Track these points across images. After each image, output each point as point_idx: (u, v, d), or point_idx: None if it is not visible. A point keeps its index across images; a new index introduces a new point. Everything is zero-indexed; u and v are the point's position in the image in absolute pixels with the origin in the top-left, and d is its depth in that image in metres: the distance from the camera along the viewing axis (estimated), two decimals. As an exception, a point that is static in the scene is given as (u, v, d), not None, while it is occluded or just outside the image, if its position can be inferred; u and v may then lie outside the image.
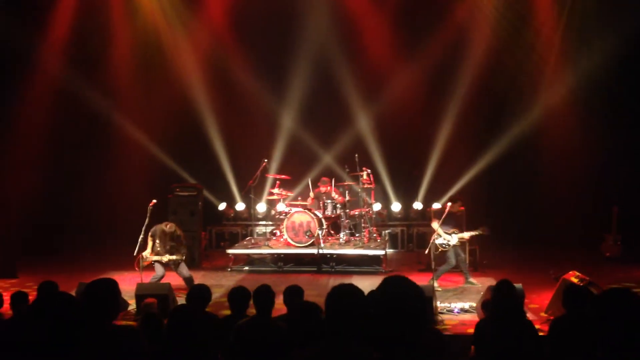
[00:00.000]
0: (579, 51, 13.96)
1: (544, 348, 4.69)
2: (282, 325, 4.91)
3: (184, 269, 9.81)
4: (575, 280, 7.90)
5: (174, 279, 9.68)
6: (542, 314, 8.34)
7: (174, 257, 9.68)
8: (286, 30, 15.03)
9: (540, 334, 5.30)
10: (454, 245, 10.43)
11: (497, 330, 4.24)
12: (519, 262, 12.47)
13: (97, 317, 3.55)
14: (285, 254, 12.23)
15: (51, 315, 2.69)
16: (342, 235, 12.52)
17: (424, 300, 2.75)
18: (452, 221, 10.49)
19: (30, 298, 6.32)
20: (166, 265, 9.77)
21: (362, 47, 15.10)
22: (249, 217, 14.23)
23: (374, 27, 14.94)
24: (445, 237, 10.35)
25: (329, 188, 12.93)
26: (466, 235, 10.56)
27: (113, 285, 3.76)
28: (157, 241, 9.74)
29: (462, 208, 10.99)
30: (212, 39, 15.07)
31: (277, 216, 12.97)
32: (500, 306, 4.51)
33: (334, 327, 2.82)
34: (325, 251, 11.88)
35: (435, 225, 10.44)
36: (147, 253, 9.69)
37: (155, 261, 9.70)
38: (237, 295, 5.49)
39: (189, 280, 9.72)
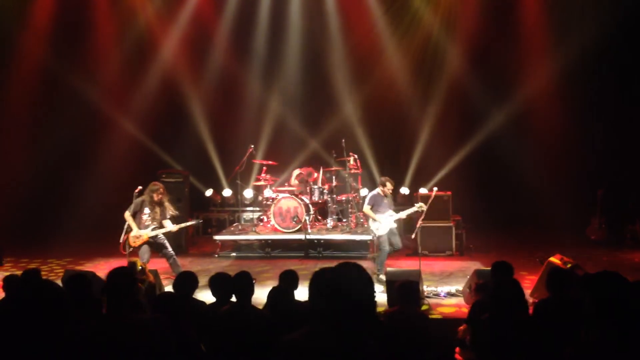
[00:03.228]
0: (564, 35, 13.99)
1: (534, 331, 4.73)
2: (263, 312, 4.91)
3: (168, 247, 9.64)
4: (559, 263, 7.95)
5: (161, 265, 9.66)
6: (528, 297, 8.40)
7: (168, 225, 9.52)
8: (273, 16, 14.98)
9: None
10: (390, 229, 9.94)
11: (498, 316, 4.26)
12: (505, 245, 12.57)
13: (116, 308, 3.46)
14: (273, 240, 12.23)
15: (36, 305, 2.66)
16: (330, 221, 12.54)
17: (369, 289, 2.75)
18: (386, 204, 10.07)
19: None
20: (152, 248, 9.62)
21: (349, 32, 15.04)
22: (236, 203, 14.19)
23: (360, 12, 14.87)
24: (379, 221, 9.91)
25: (315, 175, 12.94)
26: (403, 215, 10.04)
27: (130, 272, 3.71)
28: (147, 211, 9.49)
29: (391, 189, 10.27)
30: (197, 23, 14.94)
31: (264, 202, 12.96)
32: (503, 290, 4.46)
33: (318, 310, 2.82)
34: (313, 237, 11.89)
35: (366, 208, 9.99)
36: (136, 232, 9.42)
37: (142, 243, 9.50)
38: (217, 282, 5.47)
39: (174, 263, 9.61)
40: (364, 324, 2.67)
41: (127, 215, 9.45)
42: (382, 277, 9.31)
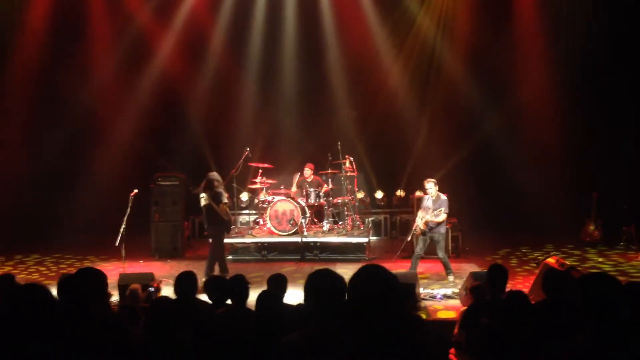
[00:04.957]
0: (559, 39, 14.04)
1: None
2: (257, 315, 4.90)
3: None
4: (555, 264, 7.97)
5: (158, 269, 9.64)
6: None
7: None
8: (269, 19, 15.00)
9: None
10: (423, 232, 9.91)
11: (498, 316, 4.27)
12: (501, 247, 12.59)
13: (80, 306, 3.51)
14: (269, 243, 12.22)
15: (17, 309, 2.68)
16: (326, 223, 12.52)
17: (398, 288, 2.78)
18: (426, 206, 9.98)
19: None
20: None
21: (345, 35, 15.06)
22: (232, 206, 14.15)
23: (356, 16, 14.89)
24: (417, 222, 10.05)
25: (312, 177, 12.91)
26: (438, 218, 9.84)
27: (99, 275, 3.76)
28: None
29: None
30: (193, 26, 14.93)
31: (260, 205, 12.94)
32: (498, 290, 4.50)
33: (315, 311, 2.84)
34: (309, 239, 11.90)
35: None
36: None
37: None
38: (213, 285, 5.46)
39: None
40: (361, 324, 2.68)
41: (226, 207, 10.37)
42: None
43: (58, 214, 13.99)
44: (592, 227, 13.02)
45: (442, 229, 9.96)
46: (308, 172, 12.94)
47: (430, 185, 9.91)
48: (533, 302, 5.70)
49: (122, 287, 8.05)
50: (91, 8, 14.63)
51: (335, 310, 2.76)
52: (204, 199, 10.20)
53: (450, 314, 7.83)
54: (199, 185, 10.50)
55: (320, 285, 2.84)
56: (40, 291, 2.77)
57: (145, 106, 14.77)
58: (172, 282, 5.71)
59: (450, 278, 9.83)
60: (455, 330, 5.83)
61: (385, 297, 2.71)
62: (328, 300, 2.78)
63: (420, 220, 9.90)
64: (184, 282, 5.50)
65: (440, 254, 9.95)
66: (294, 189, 13.07)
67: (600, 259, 11.51)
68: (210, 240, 10.51)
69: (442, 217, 9.76)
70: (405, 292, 2.32)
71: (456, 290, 8.85)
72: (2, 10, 13.86)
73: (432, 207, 9.83)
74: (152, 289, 7.02)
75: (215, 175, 10.45)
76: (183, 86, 15.11)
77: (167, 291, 8.04)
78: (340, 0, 14.91)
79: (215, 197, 10.20)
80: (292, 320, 4.77)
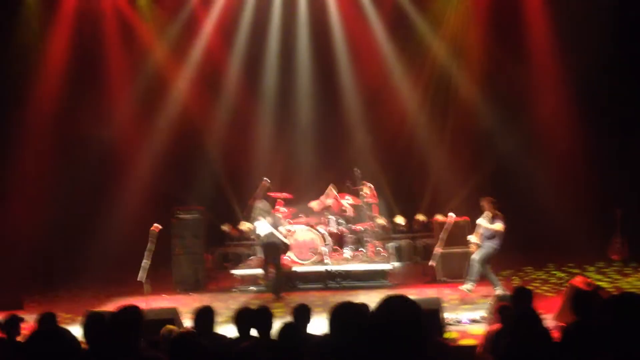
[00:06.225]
0: (575, 52, 13.94)
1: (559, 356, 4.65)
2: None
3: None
4: (582, 285, 7.84)
5: (181, 303, 9.62)
6: (552, 321, 8.25)
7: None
8: (283, 50, 15.17)
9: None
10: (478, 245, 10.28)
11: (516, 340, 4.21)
12: (525, 268, 12.44)
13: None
14: (291, 272, 12.16)
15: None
16: (347, 251, 12.47)
17: (420, 320, 2.73)
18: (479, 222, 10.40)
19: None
20: None
21: (358, 63, 15.15)
22: (253, 237, 14.14)
23: (370, 43, 14.99)
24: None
25: (333, 201, 12.86)
26: (475, 236, 10.37)
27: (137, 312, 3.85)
28: None
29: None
30: (208, 60, 15.13)
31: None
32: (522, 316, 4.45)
33: (338, 343, 2.82)
34: (331, 267, 11.83)
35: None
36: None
37: None
38: (241, 316, 5.44)
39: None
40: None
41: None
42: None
43: (81, 250, 14.03)
44: (617, 245, 12.81)
45: (492, 243, 10.16)
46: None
47: (484, 204, 10.35)
48: (562, 324, 5.61)
49: (147, 322, 8.00)
50: (108, 47, 14.89)
51: (361, 342, 2.73)
52: (263, 228, 11.25)
53: (473, 341, 7.70)
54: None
55: (345, 318, 2.82)
56: (64, 336, 2.80)
57: (164, 141, 14.90)
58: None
59: (467, 286, 9.87)
60: (479, 349, 5.74)
61: (411, 328, 2.67)
62: (353, 333, 2.75)
63: (473, 238, 10.29)
64: (202, 317, 5.50)
65: (477, 256, 10.09)
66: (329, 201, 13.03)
67: (628, 279, 11.29)
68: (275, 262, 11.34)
69: (497, 226, 10.10)
70: (426, 320, 2.29)
71: (483, 314, 8.72)
72: (20, 51, 14.14)
73: (484, 220, 10.27)
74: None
75: (264, 204, 11.63)
76: (200, 120, 15.23)
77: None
78: (353, 29, 15.02)
79: (276, 222, 11.41)
80: (316, 351, 4.73)
